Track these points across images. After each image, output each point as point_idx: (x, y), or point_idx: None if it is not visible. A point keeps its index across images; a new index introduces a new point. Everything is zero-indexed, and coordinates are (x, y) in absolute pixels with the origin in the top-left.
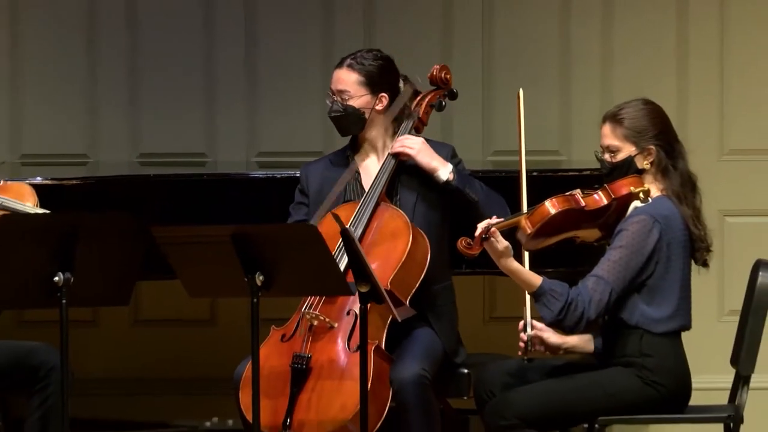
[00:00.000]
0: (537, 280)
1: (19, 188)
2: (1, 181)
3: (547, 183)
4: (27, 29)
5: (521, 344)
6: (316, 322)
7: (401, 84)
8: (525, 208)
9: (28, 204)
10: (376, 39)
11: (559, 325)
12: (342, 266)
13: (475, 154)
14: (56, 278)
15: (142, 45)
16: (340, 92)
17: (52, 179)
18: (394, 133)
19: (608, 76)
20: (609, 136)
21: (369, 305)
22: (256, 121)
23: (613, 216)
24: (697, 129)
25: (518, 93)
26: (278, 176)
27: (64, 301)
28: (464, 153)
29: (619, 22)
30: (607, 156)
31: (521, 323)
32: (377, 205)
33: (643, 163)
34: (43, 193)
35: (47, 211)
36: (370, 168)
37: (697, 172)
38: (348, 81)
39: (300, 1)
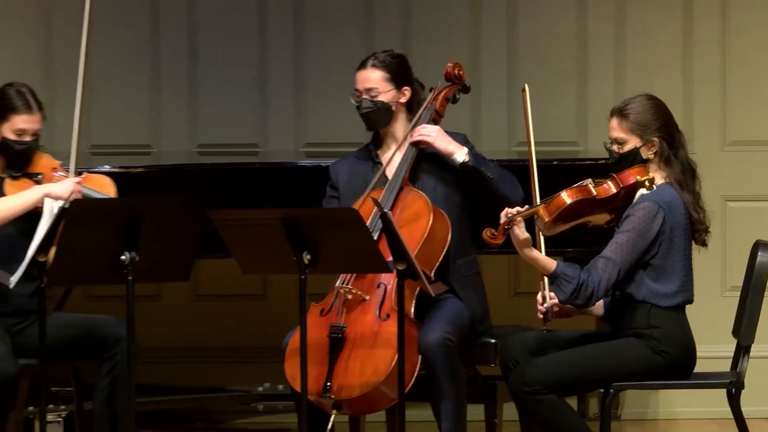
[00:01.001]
0: (552, 265)
1: (99, 180)
2: (84, 174)
3: (566, 171)
4: (96, 30)
5: (540, 315)
6: (350, 296)
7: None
8: (538, 198)
9: (110, 195)
10: (411, 38)
11: (572, 303)
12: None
13: (501, 145)
14: (123, 257)
15: (201, 44)
16: (368, 90)
17: (119, 167)
18: (414, 125)
19: (621, 72)
20: (616, 129)
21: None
22: (304, 115)
23: (621, 202)
24: (701, 122)
25: (523, 87)
26: (323, 165)
27: (130, 278)
28: (491, 144)
29: (630, 22)
30: (615, 147)
31: (539, 297)
32: (401, 189)
33: (647, 154)
34: (111, 179)
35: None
36: (393, 158)
37: (701, 161)
38: (374, 79)
39: (343, 4)
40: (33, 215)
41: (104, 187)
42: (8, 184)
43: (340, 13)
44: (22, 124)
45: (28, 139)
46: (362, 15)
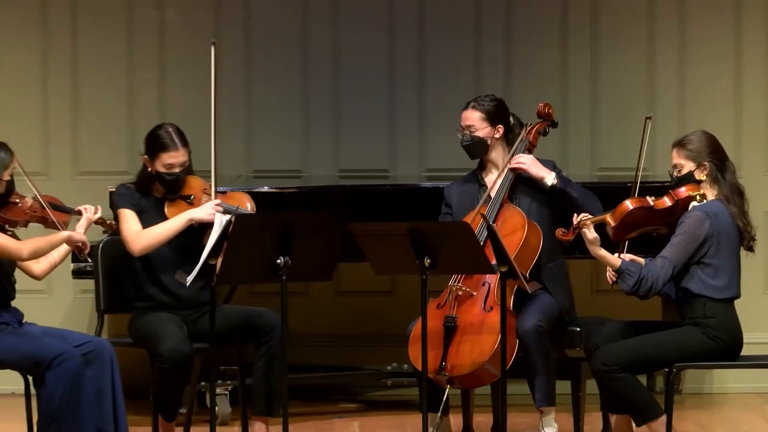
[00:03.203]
0: (617, 262)
1: (239, 196)
2: (227, 192)
3: (638, 192)
4: (256, 74)
5: (610, 281)
6: (460, 292)
7: (511, 118)
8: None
9: (246, 207)
10: (512, 82)
11: (634, 294)
12: None
13: (585, 170)
14: (278, 261)
15: (343, 88)
16: (468, 127)
17: (276, 188)
18: (512, 154)
19: (682, 111)
20: (676, 157)
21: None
22: (425, 145)
23: (680, 214)
24: (748, 151)
25: (649, 116)
26: (441, 186)
27: (284, 278)
28: (576, 169)
29: (691, 72)
30: (675, 172)
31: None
32: (501, 206)
33: (700, 176)
34: (269, 198)
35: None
36: (495, 181)
37: (748, 184)
38: (473, 118)
39: (457, 55)
40: (190, 230)
41: (241, 202)
42: (167, 205)
43: (455, 63)
44: (169, 159)
45: (176, 170)
46: (472, 65)
